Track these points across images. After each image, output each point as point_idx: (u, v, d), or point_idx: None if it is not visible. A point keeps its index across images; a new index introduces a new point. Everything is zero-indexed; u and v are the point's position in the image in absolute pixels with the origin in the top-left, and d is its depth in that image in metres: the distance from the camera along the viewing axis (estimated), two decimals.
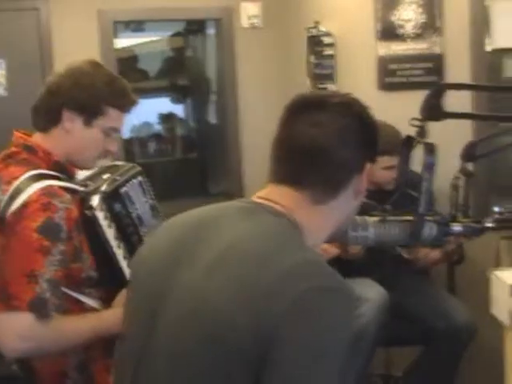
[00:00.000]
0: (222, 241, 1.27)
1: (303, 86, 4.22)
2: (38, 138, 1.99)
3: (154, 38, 6.27)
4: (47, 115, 2.00)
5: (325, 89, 4.05)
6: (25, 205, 1.81)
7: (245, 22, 4.34)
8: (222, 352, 1.16)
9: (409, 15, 3.65)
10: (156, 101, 6.17)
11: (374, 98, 3.78)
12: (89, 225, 1.94)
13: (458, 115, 1.66)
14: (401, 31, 3.67)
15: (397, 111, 3.68)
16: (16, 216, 1.81)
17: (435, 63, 3.63)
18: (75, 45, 4.03)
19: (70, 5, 4.03)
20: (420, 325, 3.16)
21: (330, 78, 4.00)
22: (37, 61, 3.97)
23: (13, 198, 1.83)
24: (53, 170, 1.95)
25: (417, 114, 3.57)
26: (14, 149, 1.97)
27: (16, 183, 1.85)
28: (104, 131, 2.02)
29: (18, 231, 1.79)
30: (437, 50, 3.62)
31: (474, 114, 1.60)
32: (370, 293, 3.03)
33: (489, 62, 3.57)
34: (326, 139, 1.34)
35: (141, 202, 2.25)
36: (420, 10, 3.62)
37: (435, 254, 3.19)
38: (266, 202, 1.35)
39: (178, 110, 6.16)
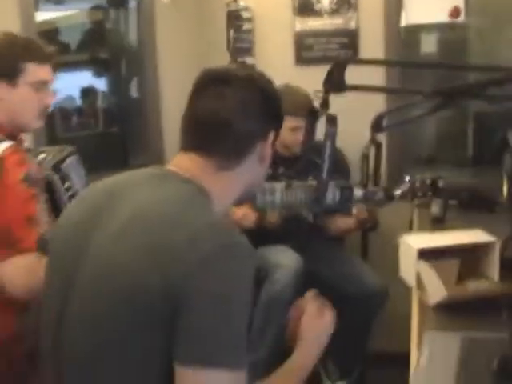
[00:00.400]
0: (131, 206, 1.35)
1: (224, 60, 4.28)
2: None
3: (75, 11, 6.19)
4: None
5: (244, 63, 4.12)
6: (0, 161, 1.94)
7: None
8: (135, 313, 1.24)
9: None
10: (77, 74, 6.13)
11: (291, 71, 3.88)
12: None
13: (358, 87, 1.74)
14: (318, 6, 3.76)
15: (313, 85, 3.77)
16: None
17: (350, 38, 3.74)
18: None
19: None
20: (333, 291, 3.27)
21: (248, 52, 4.06)
22: None
23: None
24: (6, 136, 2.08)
25: None
26: None
27: None
28: (32, 86, 2.13)
29: (4, 186, 1.92)
30: (352, 25, 3.72)
31: (373, 87, 1.68)
32: (285, 259, 3.13)
33: (403, 37, 3.71)
34: (229, 111, 1.45)
35: (80, 177, 2.40)
36: None
37: (349, 221, 3.33)
38: (175, 170, 1.44)
39: (100, 83, 6.12)
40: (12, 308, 1.98)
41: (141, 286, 1.23)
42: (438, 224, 3.07)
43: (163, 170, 1.48)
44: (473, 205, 3.23)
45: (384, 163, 3.39)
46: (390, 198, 2.24)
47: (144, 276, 1.23)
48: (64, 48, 6.16)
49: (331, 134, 1.66)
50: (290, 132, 3.27)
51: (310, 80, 3.82)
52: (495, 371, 1.53)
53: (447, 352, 1.86)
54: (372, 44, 3.72)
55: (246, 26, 4.04)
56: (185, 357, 1.22)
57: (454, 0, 3.59)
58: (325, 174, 1.68)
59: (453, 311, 2.16)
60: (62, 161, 2.31)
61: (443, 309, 2.21)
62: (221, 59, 4.26)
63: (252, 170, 1.51)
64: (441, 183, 2.71)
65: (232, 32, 4.16)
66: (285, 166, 3.41)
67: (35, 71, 2.14)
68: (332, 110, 1.70)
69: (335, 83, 1.70)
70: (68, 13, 6.22)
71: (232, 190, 1.50)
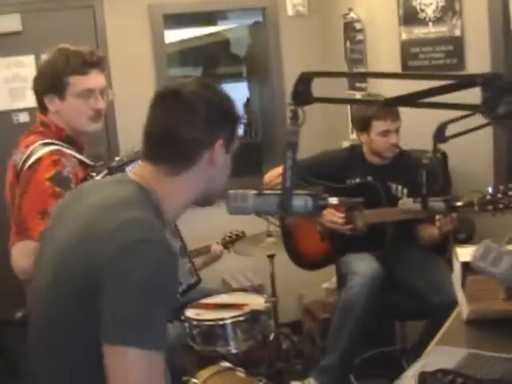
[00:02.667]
0: (85, 203, 1.63)
1: (341, 70, 4.38)
2: (52, 116, 2.48)
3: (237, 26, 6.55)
4: (39, 107, 2.52)
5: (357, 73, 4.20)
6: (38, 160, 2.30)
7: (290, 10, 4.54)
8: (68, 292, 1.50)
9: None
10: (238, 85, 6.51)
11: (398, 81, 3.88)
12: None
13: (325, 100, 1.81)
14: (422, 15, 3.75)
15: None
16: (30, 169, 2.30)
17: (455, 46, 3.67)
18: (128, 39, 4.41)
19: (122, 2, 4.41)
20: (417, 299, 3.27)
21: (361, 62, 4.14)
22: None
23: (28, 157, 2.34)
24: (65, 143, 2.44)
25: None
26: (35, 125, 2.50)
27: (32, 147, 2.36)
28: (79, 96, 2.44)
29: (33, 180, 2.27)
30: (457, 32, 3.66)
31: (342, 99, 1.69)
32: (361, 266, 3.20)
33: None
34: (174, 122, 1.65)
35: None
36: None
37: (432, 231, 3.29)
38: (132, 176, 1.69)
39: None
40: None
41: (71, 263, 1.51)
42: None
43: (124, 176, 1.74)
44: None
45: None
46: (451, 208, 2.26)
47: (74, 258, 1.51)
48: (234, 60, 6.59)
49: (292, 145, 1.76)
50: (379, 137, 3.33)
51: (418, 88, 3.82)
52: None
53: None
54: (478, 50, 3.62)
55: (359, 37, 4.12)
56: (104, 336, 1.43)
57: None
58: (287, 183, 1.79)
59: (478, 328, 2.15)
60: (129, 163, 2.48)
61: (472, 325, 2.20)
62: (340, 69, 4.37)
63: (202, 175, 1.69)
64: None
65: (348, 43, 4.26)
66: (373, 174, 3.46)
67: (78, 83, 2.43)
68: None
69: (301, 96, 1.78)
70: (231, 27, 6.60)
71: (183, 193, 1.69)
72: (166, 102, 1.68)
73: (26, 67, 4.26)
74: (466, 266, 2.48)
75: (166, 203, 1.65)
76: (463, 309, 2.30)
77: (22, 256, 2.21)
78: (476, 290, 2.36)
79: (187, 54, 6.67)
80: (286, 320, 4.66)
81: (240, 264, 4.43)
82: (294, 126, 1.82)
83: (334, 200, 1.93)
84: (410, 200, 2.39)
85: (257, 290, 4.40)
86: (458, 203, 2.39)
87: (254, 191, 1.88)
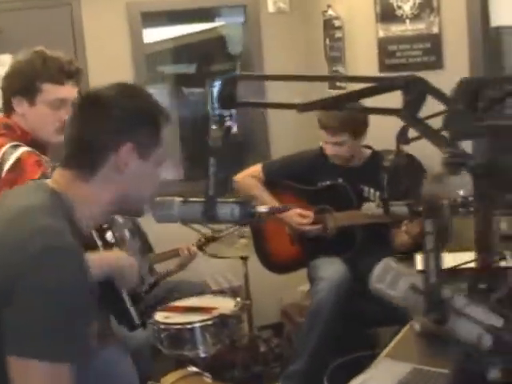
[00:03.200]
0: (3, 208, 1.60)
1: (322, 68, 4.31)
2: (17, 118, 2.36)
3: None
4: (4, 106, 2.40)
5: (336, 71, 4.11)
6: (18, 160, 2.19)
7: (271, 7, 4.46)
8: None
9: None
10: None
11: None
12: None
13: (249, 104, 1.75)
14: (399, 12, 3.66)
15: (395, 93, 3.69)
16: (15, 172, 2.19)
17: (433, 43, 3.58)
18: (107, 38, 4.36)
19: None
20: (385, 305, 3.18)
21: (339, 60, 4.06)
22: (71, 53, 4.30)
23: (3, 161, 2.21)
24: (30, 146, 2.31)
25: None
26: None
27: (3, 149, 2.23)
28: (50, 105, 2.34)
29: (22, 182, 2.11)
30: (435, 30, 3.57)
31: (266, 103, 1.62)
32: (328, 271, 3.15)
33: (489, 40, 3.48)
34: (79, 127, 1.64)
35: None
36: None
37: (402, 237, 3.21)
38: (50, 181, 1.66)
39: None
40: None
41: None
42: (507, 242, 2.87)
43: (41, 182, 1.70)
44: None
45: None
46: (415, 213, 2.19)
47: None
48: (228, 57, 6.53)
49: (216, 151, 1.70)
50: (325, 144, 3.31)
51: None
52: None
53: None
54: (456, 48, 3.54)
55: (338, 35, 4.04)
56: (10, 347, 1.38)
57: None
58: (211, 191, 1.73)
59: (428, 342, 2.10)
60: None
61: (423, 337, 2.15)
62: (320, 68, 4.30)
63: (111, 179, 1.63)
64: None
65: (327, 40, 4.18)
66: (344, 176, 3.40)
67: (52, 91, 2.33)
68: None
69: (227, 99, 1.72)
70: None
71: (95, 199, 1.63)
72: (80, 105, 1.66)
73: (2, 66, 4.18)
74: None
75: (80, 209, 1.61)
76: (417, 321, 2.23)
77: None
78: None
79: (181, 51, 6.61)
80: (268, 322, 4.61)
81: (219, 265, 4.37)
82: (217, 132, 1.76)
83: (262, 208, 1.86)
84: (373, 204, 2.32)
85: (235, 291, 4.35)
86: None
87: (180, 198, 1.82)
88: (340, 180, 3.38)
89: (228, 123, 1.79)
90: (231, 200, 1.78)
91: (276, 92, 4.58)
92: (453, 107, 1.36)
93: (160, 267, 3.88)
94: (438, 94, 1.43)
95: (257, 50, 4.57)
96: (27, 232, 1.45)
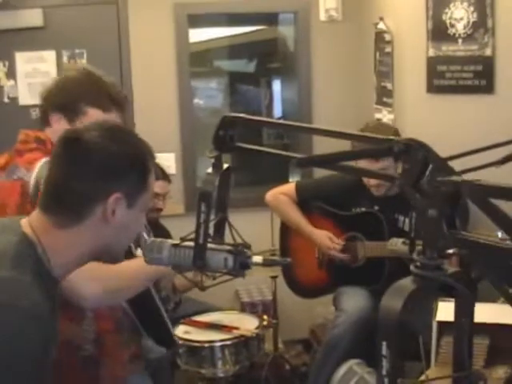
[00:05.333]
0: None
1: (370, 82, 4.15)
2: (49, 132, 2.22)
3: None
4: (41, 118, 2.26)
5: (384, 87, 3.95)
6: None
7: (323, 15, 4.32)
8: None
9: (460, 13, 3.43)
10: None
11: (422, 100, 3.63)
12: None
13: (246, 150, 1.62)
14: (452, 30, 3.46)
15: (445, 115, 3.52)
16: None
17: (485, 66, 3.38)
18: (152, 37, 4.30)
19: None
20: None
21: (387, 76, 3.88)
22: (115, 51, 4.28)
23: (41, 176, 2.02)
24: None
25: (465, 118, 3.42)
26: (22, 145, 2.20)
27: (38, 164, 2.10)
28: None
29: None
30: (487, 52, 3.37)
31: (265, 150, 1.49)
32: (350, 303, 3.04)
33: None
34: (64, 172, 1.52)
35: None
36: (471, 8, 3.38)
37: None
38: (23, 222, 1.54)
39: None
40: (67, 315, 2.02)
41: None
42: None
43: (14, 222, 1.57)
44: None
45: None
46: (443, 256, 2.06)
47: None
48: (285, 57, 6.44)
49: (205, 196, 1.58)
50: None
51: (440, 110, 3.57)
52: None
53: None
54: (509, 73, 3.33)
55: (387, 50, 3.86)
56: None
57: None
58: (201, 239, 1.62)
59: None
60: None
61: None
62: (368, 81, 4.15)
63: (95, 229, 1.53)
64: None
65: (378, 54, 4.01)
66: (381, 204, 3.25)
67: (95, 115, 2.16)
68: None
69: (223, 141, 1.60)
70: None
71: (74, 248, 1.53)
72: (63, 148, 1.54)
73: (46, 62, 4.20)
74: (442, 325, 2.29)
75: (54, 257, 1.50)
76: (428, 369, 2.12)
77: (84, 280, 1.91)
78: (449, 353, 2.15)
79: (237, 49, 6.53)
80: (298, 336, 4.51)
81: (255, 276, 4.28)
82: (211, 176, 1.65)
83: (258, 259, 1.74)
84: (400, 240, 2.19)
85: (267, 305, 4.27)
86: (451, 250, 2.17)
87: (171, 242, 1.72)
88: (376, 208, 3.23)
89: (226, 165, 1.68)
90: (225, 248, 1.67)
91: (324, 100, 4.48)
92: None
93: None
94: (441, 166, 1.28)
95: (305, 58, 4.43)
96: None
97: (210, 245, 1.68)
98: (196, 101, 5.30)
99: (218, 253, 1.66)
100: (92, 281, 1.88)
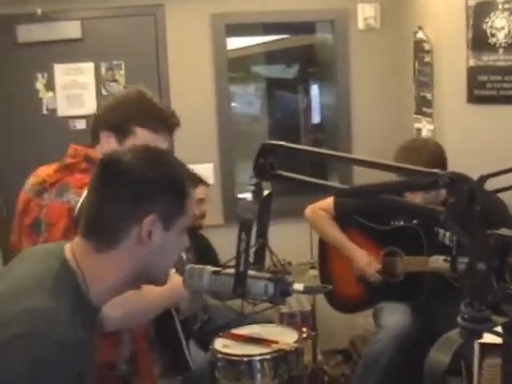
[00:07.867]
0: (12, 274, 1.53)
1: (409, 92, 4.11)
2: (99, 151, 2.20)
3: None
4: (91, 134, 2.26)
5: (424, 97, 3.90)
6: None
7: (361, 24, 4.28)
8: None
9: (501, 23, 3.37)
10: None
11: (462, 111, 3.58)
12: None
13: (288, 178, 1.60)
14: (492, 40, 3.41)
15: (485, 126, 3.46)
16: None
17: None
18: (189, 49, 4.30)
19: (184, 10, 4.29)
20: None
21: (427, 86, 3.83)
22: (153, 62, 4.30)
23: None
24: None
25: (506, 129, 3.37)
26: (72, 160, 2.21)
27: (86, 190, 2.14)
28: None
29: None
30: None
31: (308, 180, 1.47)
32: (390, 320, 3.00)
33: None
34: (100, 195, 1.53)
35: None
36: None
37: None
38: (66, 248, 1.56)
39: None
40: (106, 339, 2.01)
41: None
42: None
43: (57, 247, 1.58)
44: None
45: None
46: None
47: None
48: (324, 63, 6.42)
49: (246, 225, 1.57)
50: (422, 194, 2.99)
51: (481, 121, 3.51)
52: None
53: None
54: None
55: (427, 59, 3.81)
56: None
57: None
58: (241, 267, 1.61)
59: None
60: None
61: None
62: (407, 91, 4.11)
63: (132, 253, 1.52)
64: None
65: (417, 63, 3.96)
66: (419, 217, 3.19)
67: (145, 137, 2.14)
68: None
69: (263, 169, 1.59)
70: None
71: (112, 272, 1.53)
72: (100, 170, 1.55)
73: (84, 74, 4.24)
74: (484, 347, 2.25)
75: (93, 284, 1.50)
76: None
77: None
78: (494, 376, 2.12)
79: (274, 54, 6.53)
80: (338, 346, 4.48)
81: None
82: (251, 203, 1.64)
83: (299, 287, 1.73)
84: (441, 258, 2.15)
85: (305, 316, 4.25)
86: None
87: (211, 268, 1.72)
88: (415, 221, 3.18)
89: (267, 191, 1.67)
90: (265, 276, 1.66)
91: (362, 107, 4.45)
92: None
93: None
94: (486, 201, 1.25)
95: (344, 65, 4.40)
96: (10, 312, 1.36)
97: (250, 272, 1.67)
98: (234, 107, 5.31)
99: (259, 280, 1.64)
100: (113, 304, 1.88)
